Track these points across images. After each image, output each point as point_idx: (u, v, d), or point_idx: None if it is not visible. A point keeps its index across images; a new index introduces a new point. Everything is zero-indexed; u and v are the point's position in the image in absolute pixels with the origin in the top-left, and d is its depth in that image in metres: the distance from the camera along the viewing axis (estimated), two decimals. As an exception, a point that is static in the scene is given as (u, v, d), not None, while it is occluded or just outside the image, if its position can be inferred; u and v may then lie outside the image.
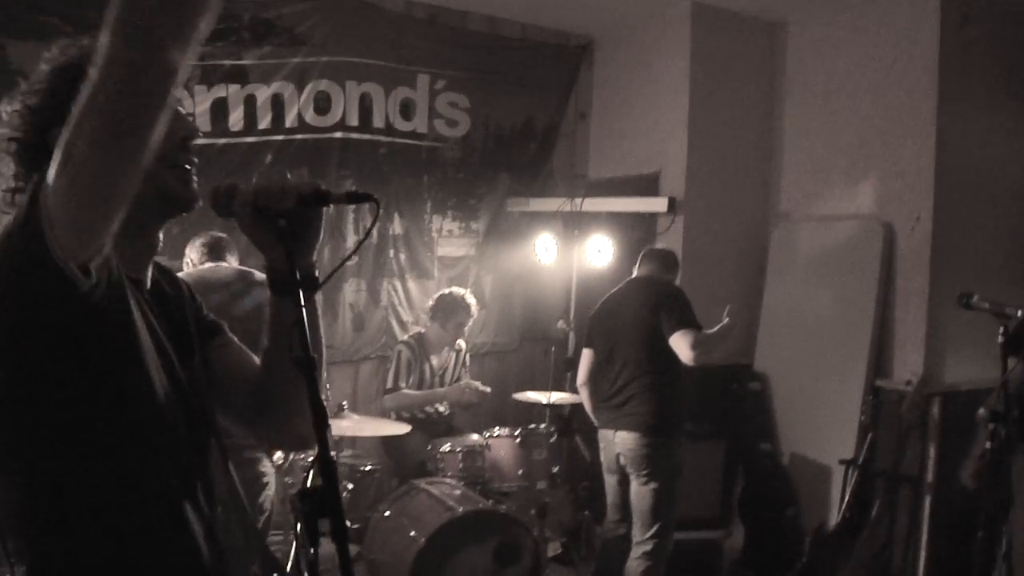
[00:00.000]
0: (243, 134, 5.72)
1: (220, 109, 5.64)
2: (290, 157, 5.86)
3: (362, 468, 4.94)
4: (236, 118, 5.69)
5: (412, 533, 4.30)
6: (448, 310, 5.48)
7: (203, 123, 5.57)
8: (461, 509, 4.34)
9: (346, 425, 4.67)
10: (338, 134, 6.01)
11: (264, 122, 5.78)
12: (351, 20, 5.90)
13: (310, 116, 5.91)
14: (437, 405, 5.53)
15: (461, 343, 5.68)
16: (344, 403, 4.78)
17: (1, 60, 5.02)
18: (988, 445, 3.40)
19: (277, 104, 5.79)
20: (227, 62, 5.63)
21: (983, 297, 3.50)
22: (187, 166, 1.60)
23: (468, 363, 5.81)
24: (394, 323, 6.31)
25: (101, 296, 1.38)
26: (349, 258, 1.73)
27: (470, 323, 5.55)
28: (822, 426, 5.40)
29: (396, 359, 5.42)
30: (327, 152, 6.00)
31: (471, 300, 5.54)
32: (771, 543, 5.46)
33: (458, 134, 6.45)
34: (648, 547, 4.24)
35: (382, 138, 6.18)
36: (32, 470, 1.45)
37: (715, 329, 4.23)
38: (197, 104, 5.56)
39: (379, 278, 6.28)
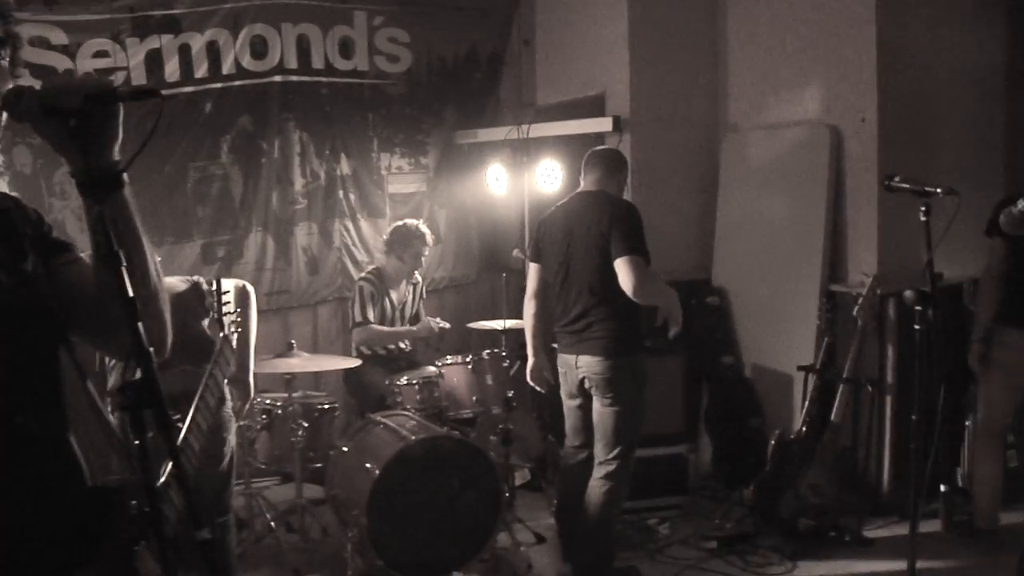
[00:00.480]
0: (180, 84, 5.67)
1: (155, 60, 5.59)
2: (230, 104, 5.82)
3: (319, 406, 4.93)
4: (172, 68, 5.63)
5: (367, 465, 4.29)
6: (403, 241, 5.44)
7: (138, 76, 5.53)
8: (414, 438, 4.33)
9: (295, 363, 4.66)
10: (277, 78, 5.94)
11: (201, 71, 5.72)
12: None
13: (247, 61, 5.84)
14: (400, 341, 5.51)
15: (418, 276, 5.65)
16: (293, 341, 4.76)
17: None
18: (916, 327, 3.36)
19: (213, 51, 5.73)
20: (158, 12, 5.57)
21: (904, 178, 3.44)
22: None
23: (424, 296, 5.77)
24: (349, 264, 6.28)
25: None
26: (140, 150, 1.68)
27: (426, 252, 5.50)
28: (781, 334, 5.38)
29: (359, 293, 5.35)
30: (268, 97, 5.94)
31: (425, 229, 5.50)
32: (737, 454, 5.46)
33: (400, 69, 6.37)
34: (612, 467, 4.18)
35: (323, 79, 6.11)
36: None
37: (665, 293, 4.18)
38: (131, 57, 5.51)
39: (331, 220, 6.23)
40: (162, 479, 1.54)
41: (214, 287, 3.54)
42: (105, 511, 1.69)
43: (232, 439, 3.85)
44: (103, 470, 1.79)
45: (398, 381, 4.98)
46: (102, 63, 5.42)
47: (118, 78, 5.44)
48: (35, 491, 1.63)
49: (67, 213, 5.41)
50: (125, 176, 1.61)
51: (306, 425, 4.65)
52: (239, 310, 3.98)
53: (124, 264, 1.49)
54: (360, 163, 6.31)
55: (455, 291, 6.77)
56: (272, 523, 4.69)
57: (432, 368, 5.12)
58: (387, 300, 5.46)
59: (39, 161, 5.32)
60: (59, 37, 5.30)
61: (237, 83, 5.82)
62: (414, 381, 4.95)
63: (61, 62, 5.30)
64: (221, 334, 3.06)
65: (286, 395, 4.71)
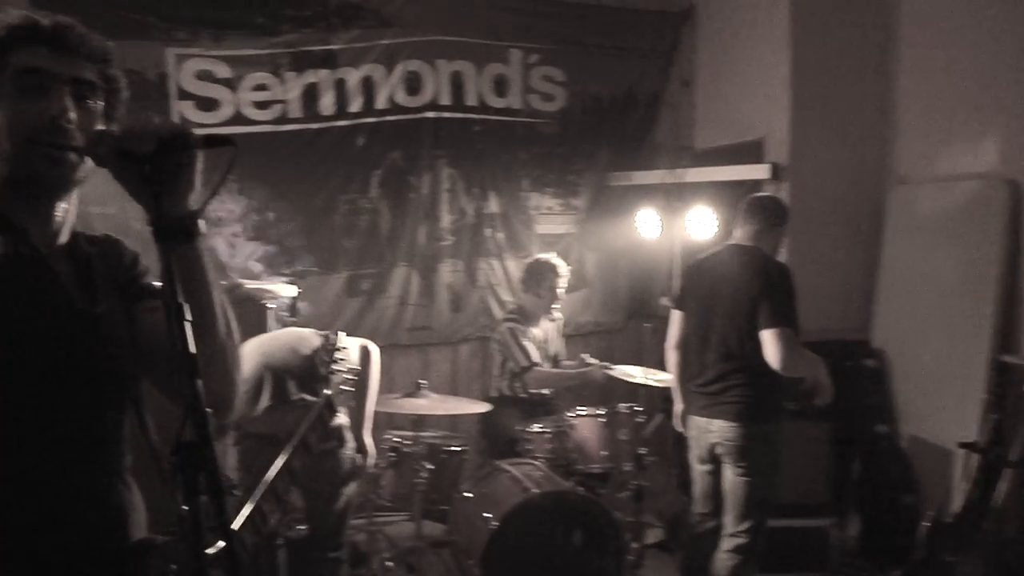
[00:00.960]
0: (335, 118, 5.77)
1: (311, 94, 5.70)
2: (383, 139, 5.88)
3: (446, 448, 4.85)
4: (327, 102, 5.74)
5: (487, 515, 4.19)
6: (537, 277, 5.33)
7: (295, 109, 5.67)
8: (537, 491, 4.19)
9: (422, 404, 4.59)
10: (430, 114, 5.97)
11: (355, 105, 5.80)
12: (436, -1, 5.86)
13: (401, 97, 5.89)
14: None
15: (557, 313, 5.51)
16: (422, 381, 4.70)
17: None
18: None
19: (367, 87, 5.81)
20: (316, 48, 5.70)
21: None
22: (57, 147, 1.56)
23: (563, 333, 5.61)
24: (493, 303, 6.21)
25: None
26: (211, 197, 1.62)
27: (562, 284, 5.35)
28: (943, 405, 4.93)
29: (512, 337, 5.20)
30: (420, 132, 5.97)
31: (558, 261, 5.36)
32: (887, 533, 5.04)
33: (554, 108, 6.28)
34: (741, 540, 3.93)
35: (475, 116, 6.09)
36: None
37: (813, 364, 3.92)
38: (288, 90, 5.65)
39: (476, 258, 6.19)
40: (213, 549, 1.45)
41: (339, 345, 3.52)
42: (141, 567, 1.66)
43: (352, 487, 3.88)
44: (160, 522, 1.76)
45: (530, 428, 4.85)
46: (261, 96, 5.58)
47: (276, 110, 5.60)
48: (75, 541, 1.61)
49: (219, 241, 5.56)
50: (202, 226, 1.56)
51: (430, 467, 4.56)
52: (359, 368, 3.99)
53: (188, 318, 1.43)
54: (509, 202, 6.25)
55: (601, 337, 6.60)
56: (389, 562, 4.63)
57: (565, 416, 4.96)
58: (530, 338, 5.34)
59: (196, 189, 5.47)
60: (223, 71, 5.49)
61: (390, 118, 5.87)
62: (546, 429, 4.81)
63: (223, 95, 5.50)
64: (326, 391, 3.03)
65: (414, 434, 4.66)
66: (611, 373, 5.18)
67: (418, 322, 6.11)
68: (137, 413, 1.73)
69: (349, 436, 3.92)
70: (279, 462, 2.70)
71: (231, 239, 5.62)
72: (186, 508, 1.39)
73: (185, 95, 5.42)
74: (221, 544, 1.40)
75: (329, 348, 3.50)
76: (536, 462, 4.63)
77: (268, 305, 4.72)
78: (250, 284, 4.82)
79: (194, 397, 1.40)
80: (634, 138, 6.50)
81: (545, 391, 5.34)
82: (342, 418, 3.84)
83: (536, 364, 5.18)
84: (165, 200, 1.47)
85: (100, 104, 1.64)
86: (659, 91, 6.53)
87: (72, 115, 1.57)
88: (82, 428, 1.64)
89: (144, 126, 1.46)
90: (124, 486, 1.72)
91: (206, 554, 1.39)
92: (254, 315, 4.64)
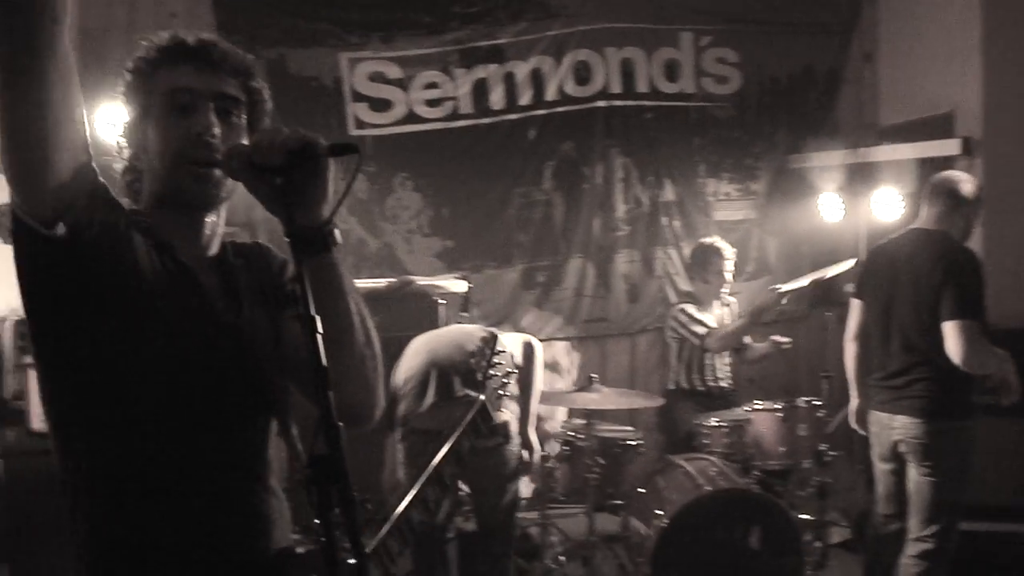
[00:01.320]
0: (505, 112, 5.81)
1: (481, 89, 5.77)
2: (554, 130, 5.87)
3: (621, 442, 4.79)
4: (497, 97, 5.78)
5: (658, 511, 4.11)
6: (702, 262, 5.19)
7: (465, 105, 5.76)
8: (710, 488, 4.08)
9: (593, 398, 4.52)
10: (601, 103, 5.91)
11: (525, 98, 5.82)
12: (605, -17, 5.79)
13: (571, 87, 5.87)
14: (717, 376, 5.23)
15: (730, 298, 5.34)
16: (593, 375, 4.66)
17: (281, 68, 5.48)
18: None
19: (537, 79, 5.81)
20: (484, 43, 5.75)
21: None
22: (202, 164, 1.60)
23: (740, 314, 5.41)
24: (671, 292, 6.07)
25: (76, 248, 1.49)
26: (339, 205, 1.62)
27: (728, 267, 5.18)
28: None
29: (684, 315, 5.09)
30: (591, 122, 5.92)
31: (722, 244, 5.19)
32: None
33: (729, 91, 6.08)
34: (928, 545, 3.68)
35: (647, 103, 5.98)
36: (64, 440, 1.61)
37: (999, 360, 3.63)
38: (459, 87, 5.74)
39: (653, 247, 6.09)
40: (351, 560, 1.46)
41: (497, 347, 3.50)
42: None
43: (518, 483, 3.89)
44: (308, 531, 1.79)
45: (707, 421, 4.73)
46: (432, 94, 5.69)
47: (447, 107, 5.69)
48: (218, 551, 1.64)
49: (396, 238, 5.73)
50: (337, 236, 1.55)
51: (603, 462, 4.52)
52: (523, 365, 3.99)
53: (320, 329, 1.42)
54: (685, 189, 6.11)
55: (784, 326, 6.34)
56: (562, 556, 4.62)
57: (743, 410, 4.80)
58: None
59: (374, 187, 5.68)
60: (394, 72, 5.64)
61: (560, 109, 5.86)
62: (723, 423, 4.67)
63: (395, 95, 5.64)
64: (481, 396, 3.02)
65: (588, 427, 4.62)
66: (784, 342, 5.09)
67: (595, 314, 6.08)
68: (283, 422, 1.75)
69: (514, 432, 3.93)
70: (441, 452, 2.72)
71: (407, 235, 5.76)
72: (318, 521, 1.41)
73: (359, 97, 5.61)
74: (353, 559, 1.40)
75: (487, 348, 3.51)
76: (712, 457, 4.50)
77: (439, 301, 4.81)
78: (421, 280, 4.92)
79: (326, 410, 1.41)
80: (814, 118, 6.20)
81: (724, 383, 5.21)
82: (506, 415, 3.85)
83: (713, 328, 5.04)
84: (298, 211, 1.47)
85: (244, 118, 1.67)
86: (839, 67, 6.20)
87: (216, 131, 1.60)
88: (228, 436, 1.67)
89: (273, 138, 1.46)
90: (269, 494, 1.73)
91: (339, 567, 1.41)
92: (426, 311, 4.73)
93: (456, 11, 5.70)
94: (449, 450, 2.71)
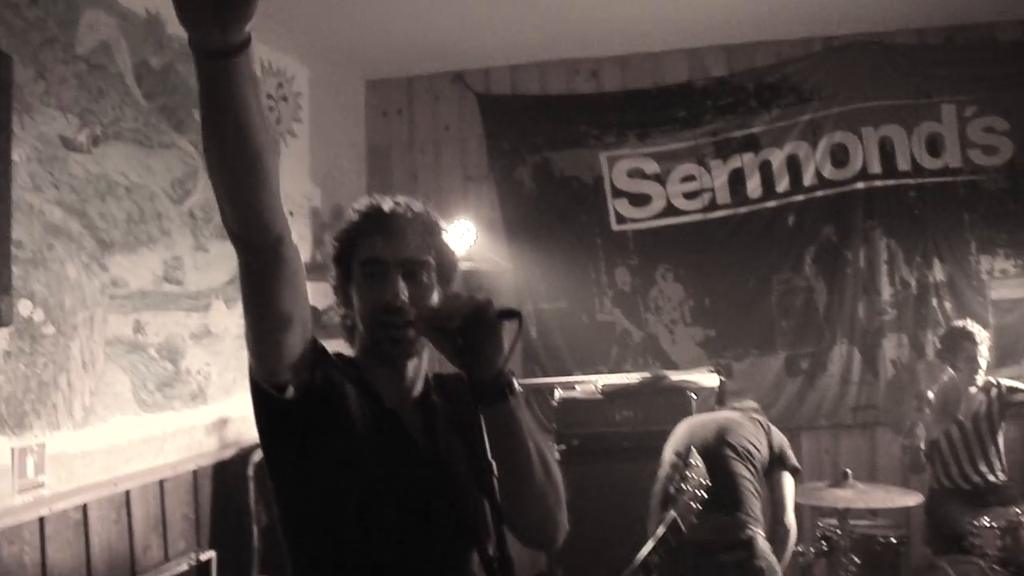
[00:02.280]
0: (763, 200, 5.82)
1: (737, 179, 5.82)
2: (813, 215, 5.80)
3: (882, 540, 4.53)
4: (754, 185, 5.81)
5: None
6: (951, 346, 4.96)
7: (722, 195, 5.82)
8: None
9: (847, 495, 4.27)
10: (860, 184, 5.78)
11: (782, 184, 5.80)
12: (858, 64, 5.72)
13: (828, 171, 5.79)
14: (984, 470, 4.90)
15: (1000, 380, 5.01)
16: (847, 471, 4.45)
17: (546, 170, 5.77)
18: None
19: (793, 165, 5.79)
20: (738, 133, 5.81)
21: None
22: (393, 327, 1.82)
23: (1014, 401, 5.05)
24: (944, 377, 5.77)
25: (300, 404, 1.75)
26: (507, 360, 1.73)
27: (982, 352, 4.89)
28: None
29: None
30: (851, 205, 5.79)
31: (973, 327, 4.95)
32: None
33: (999, 161, 5.77)
34: None
35: (910, 180, 5.78)
36: (285, 511, 1.90)
37: None
38: (715, 178, 5.81)
39: (923, 330, 5.80)
40: None
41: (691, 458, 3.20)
42: None
43: None
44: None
45: (978, 521, 4.33)
46: (689, 186, 5.79)
47: (704, 199, 5.77)
48: None
49: (659, 328, 5.79)
50: (515, 385, 1.72)
51: (858, 561, 4.26)
52: (779, 451, 3.92)
53: (496, 473, 1.62)
54: (956, 268, 5.82)
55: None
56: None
57: (1016, 511, 4.39)
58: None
59: (636, 279, 5.81)
60: (652, 167, 5.80)
61: (819, 194, 5.78)
62: (996, 524, 4.27)
63: (654, 189, 5.79)
64: (671, 512, 2.88)
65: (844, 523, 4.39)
66: None
67: (862, 401, 5.85)
68: (499, 547, 1.83)
69: (762, 546, 3.78)
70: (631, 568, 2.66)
71: (670, 325, 5.81)
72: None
73: (619, 193, 5.80)
74: None
75: (681, 465, 3.34)
76: (981, 562, 4.14)
77: (692, 395, 4.82)
78: (674, 376, 4.93)
79: (500, 547, 1.62)
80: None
81: (993, 476, 4.85)
82: (752, 530, 3.76)
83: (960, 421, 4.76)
84: (476, 365, 1.67)
85: (432, 276, 1.88)
86: None
87: (403, 295, 1.82)
88: (432, 560, 1.84)
89: (452, 304, 1.69)
90: None
91: None
92: (679, 405, 4.78)
93: (709, 104, 5.81)
94: (639, 565, 2.66)
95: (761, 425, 4.19)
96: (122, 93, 3.84)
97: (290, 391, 1.74)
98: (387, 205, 1.90)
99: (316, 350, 1.80)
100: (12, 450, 3.20)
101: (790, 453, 4.12)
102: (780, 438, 4.17)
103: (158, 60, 4.08)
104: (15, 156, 3.19)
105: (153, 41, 4.05)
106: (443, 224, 1.97)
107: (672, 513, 2.86)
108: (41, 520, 3.26)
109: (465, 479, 1.78)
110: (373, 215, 1.90)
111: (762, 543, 3.79)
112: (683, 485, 2.95)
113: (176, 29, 4.04)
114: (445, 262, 1.93)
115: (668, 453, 4.00)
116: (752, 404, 4.55)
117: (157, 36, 4.07)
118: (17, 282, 3.20)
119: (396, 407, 1.89)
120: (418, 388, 1.96)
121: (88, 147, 3.62)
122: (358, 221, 1.91)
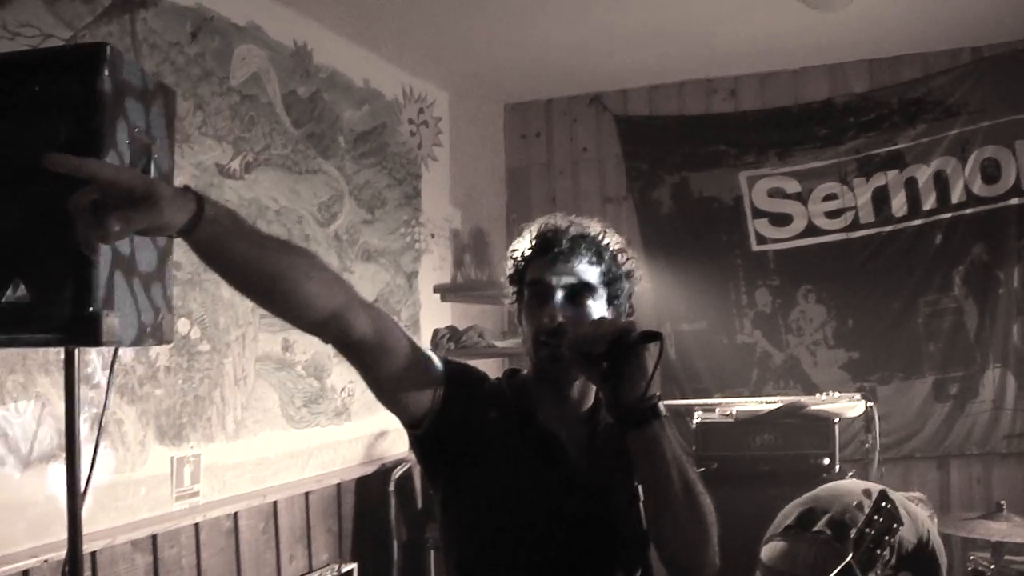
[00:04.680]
0: (908, 218, 5.64)
1: (881, 197, 5.67)
2: (962, 234, 5.58)
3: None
4: (899, 203, 5.64)
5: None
6: None
7: (866, 214, 5.68)
8: None
9: (1001, 528, 4.10)
10: (1013, 200, 5.54)
11: (928, 202, 5.62)
12: (1010, 75, 5.49)
13: (978, 187, 5.57)
14: None
15: None
16: (1002, 502, 4.24)
17: (685, 190, 5.79)
18: None
19: (940, 181, 5.60)
20: (882, 150, 5.66)
21: None
22: (547, 347, 1.86)
23: None
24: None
25: (434, 438, 1.87)
26: (651, 382, 1.71)
27: None
28: None
29: None
30: (1003, 222, 5.55)
31: None
32: None
33: None
34: None
35: (1067, 197, 5.53)
36: (441, 531, 2.00)
37: None
38: (858, 196, 5.68)
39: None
40: None
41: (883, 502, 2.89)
42: None
43: None
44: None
45: None
46: (831, 205, 5.67)
47: (847, 218, 5.64)
48: None
49: (801, 350, 5.70)
50: (661, 408, 1.72)
51: None
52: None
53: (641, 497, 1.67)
54: (1118, 289, 5.52)
55: None
56: None
57: None
58: None
59: (777, 301, 5.74)
60: (793, 186, 5.71)
61: (968, 211, 5.57)
62: None
63: (795, 209, 5.70)
64: (849, 555, 2.70)
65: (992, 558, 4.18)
66: None
67: (1017, 428, 5.57)
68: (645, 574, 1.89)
69: None
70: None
71: (812, 347, 5.69)
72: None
73: (759, 213, 5.73)
74: None
75: (867, 499, 3.06)
76: None
77: (834, 423, 4.68)
78: (815, 405, 4.79)
79: (646, 570, 1.69)
80: None
81: None
82: None
83: None
84: (621, 389, 1.69)
85: (597, 299, 1.90)
86: None
87: (561, 318, 1.84)
88: None
89: (596, 330, 1.71)
90: None
91: None
92: (820, 432, 4.65)
93: (851, 121, 5.67)
94: None
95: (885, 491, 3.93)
96: (272, 121, 4.04)
97: (423, 427, 1.86)
98: (553, 227, 1.94)
99: (450, 381, 1.87)
100: (171, 459, 3.41)
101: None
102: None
103: (305, 89, 4.26)
104: (176, 184, 3.39)
105: (300, 71, 4.24)
106: (618, 244, 1.99)
107: (849, 556, 2.67)
108: (196, 526, 3.47)
109: (619, 504, 1.78)
110: (540, 237, 1.94)
111: None
112: (867, 529, 2.72)
113: (322, 59, 4.32)
114: (615, 285, 1.94)
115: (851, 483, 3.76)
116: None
117: (304, 66, 4.26)
118: (176, 302, 3.39)
119: (559, 428, 1.91)
120: (588, 402, 1.97)
121: (241, 173, 3.82)
122: (528, 243, 1.96)
